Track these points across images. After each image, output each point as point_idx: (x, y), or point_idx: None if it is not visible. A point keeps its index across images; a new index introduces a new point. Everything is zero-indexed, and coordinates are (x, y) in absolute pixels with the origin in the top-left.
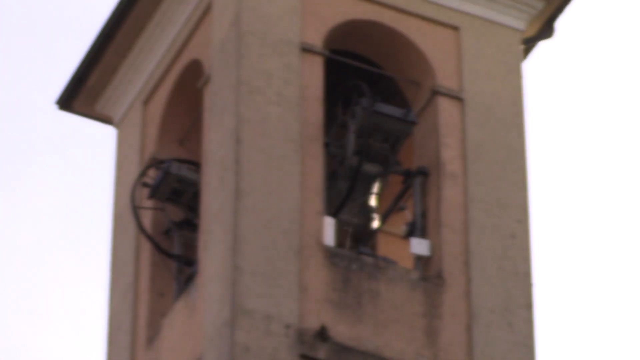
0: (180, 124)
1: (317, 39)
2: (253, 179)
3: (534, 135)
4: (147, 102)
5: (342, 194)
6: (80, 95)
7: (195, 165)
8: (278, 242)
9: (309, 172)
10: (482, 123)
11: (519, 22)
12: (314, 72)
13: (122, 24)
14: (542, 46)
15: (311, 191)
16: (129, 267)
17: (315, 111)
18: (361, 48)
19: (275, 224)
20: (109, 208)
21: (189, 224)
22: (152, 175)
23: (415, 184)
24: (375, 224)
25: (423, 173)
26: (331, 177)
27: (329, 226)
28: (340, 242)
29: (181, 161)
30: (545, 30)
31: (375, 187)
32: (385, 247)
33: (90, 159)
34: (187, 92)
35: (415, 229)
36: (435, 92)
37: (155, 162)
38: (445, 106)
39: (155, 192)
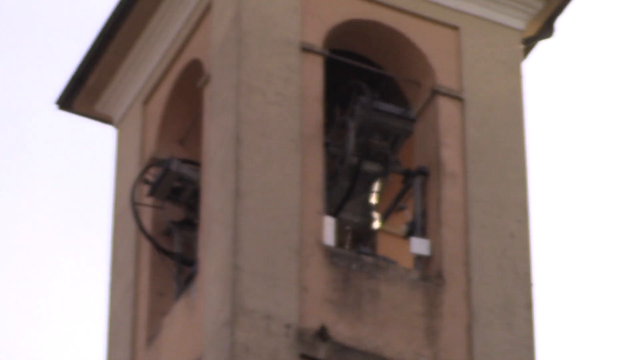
0: (180, 123)
1: (317, 38)
2: (253, 178)
3: (533, 135)
4: (147, 102)
5: (343, 193)
6: (80, 95)
7: (196, 165)
8: (278, 242)
9: (309, 171)
10: (482, 123)
11: (518, 21)
12: (314, 72)
13: (122, 23)
14: (542, 46)
15: (311, 191)
16: (129, 267)
17: (315, 111)
18: (361, 48)
19: (275, 224)
20: (108, 208)
21: (189, 224)
22: (153, 173)
23: (415, 183)
24: (376, 223)
25: (423, 173)
26: (332, 176)
27: (329, 226)
28: (340, 241)
29: (182, 161)
30: (545, 30)
31: (376, 186)
32: (385, 246)
33: (90, 159)
34: (187, 92)
35: (415, 229)
36: (435, 92)
37: (155, 162)
38: (445, 106)
39: (155, 189)
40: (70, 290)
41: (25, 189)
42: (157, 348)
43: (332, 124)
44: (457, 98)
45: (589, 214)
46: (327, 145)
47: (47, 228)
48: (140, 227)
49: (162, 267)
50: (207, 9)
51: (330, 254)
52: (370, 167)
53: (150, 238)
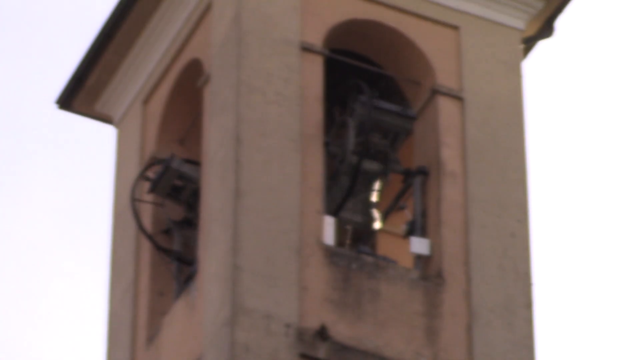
0: (180, 123)
1: (317, 38)
2: (253, 178)
3: (533, 135)
4: (147, 101)
5: (343, 192)
6: (80, 94)
7: (196, 164)
8: (278, 242)
9: (309, 171)
10: (482, 122)
11: (518, 21)
12: (314, 72)
13: (122, 23)
14: (542, 45)
15: (311, 190)
16: (128, 267)
17: (315, 111)
18: (361, 47)
19: (275, 224)
20: (108, 207)
21: (189, 223)
22: (154, 171)
23: (415, 183)
24: (377, 222)
25: (423, 172)
26: (332, 176)
27: (328, 225)
28: (340, 241)
29: (183, 160)
30: (545, 29)
31: (376, 185)
32: (385, 246)
33: (90, 159)
34: (187, 91)
35: (415, 228)
36: (435, 92)
37: (156, 160)
38: (445, 105)
39: (155, 186)
40: (70, 290)
41: (25, 189)
42: (157, 348)
43: (332, 123)
44: (457, 98)
45: (589, 214)
46: (327, 144)
47: (47, 228)
48: (140, 226)
49: (162, 266)
50: (207, 9)
51: (330, 254)
52: (370, 165)
53: (148, 235)
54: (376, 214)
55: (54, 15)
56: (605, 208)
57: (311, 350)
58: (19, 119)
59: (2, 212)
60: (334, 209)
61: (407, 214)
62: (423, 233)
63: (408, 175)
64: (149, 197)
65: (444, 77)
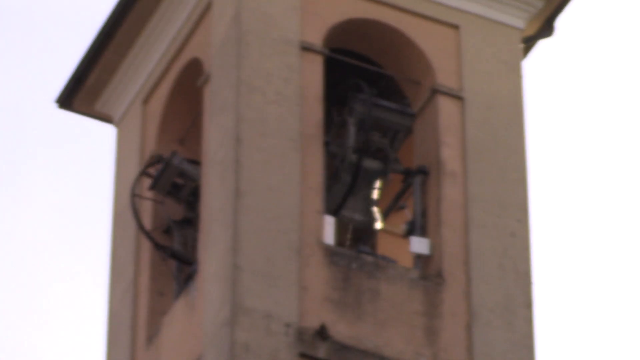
0: (180, 123)
1: (317, 38)
2: (253, 178)
3: (534, 134)
4: (147, 101)
5: (344, 191)
6: (80, 94)
7: (197, 164)
8: (278, 241)
9: (309, 171)
10: (482, 122)
11: (518, 20)
12: (314, 71)
13: (122, 22)
14: (542, 45)
15: (311, 190)
16: (128, 266)
17: (315, 110)
18: (361, 47)
19: (275, 223)
20: (108, 207)
21: (189, 223)
22: (156, 168)
23: (415, 182)
24: (378, 221)
25: (423, 172)
26: (333, 175)
27: (328, 225)
28: (340, 241)
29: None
30: (545, 29)
31: (377, 184)
32: (385, 246)
33: (90, 158)
34: (187, 91)
35: (415, 228)
36: (435, 91)
37: (157, 157)
38: (445, 105)
39: (156, 183)
40: (70, 290)
41: (25, 189)
42: (157, 347)
43: (332, 123)
44: (457, 97)
45: (589, 214)
46: (327, 144)
47: (47, 227)
48: (140, 226)
49: (162, 266)
50: (207, 8)
51: (330, 253)
52: (370, 164)
53: (146, 232)
54: (377, 213)
55: (54, 15)
56: (605, 208)
57: (311, 350)
58: (19, 118)
59: (2, 212)
60: (334, 208)
61: (407, 214)
62: (423, 233)
63: (408, 174)
64: (149, 195)
65: (444, 76)
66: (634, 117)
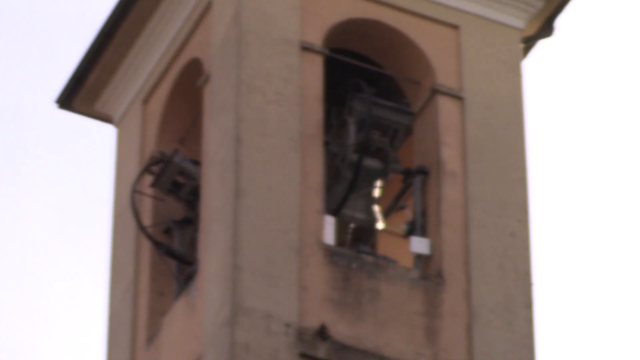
0: (180, 123)
1: (317, 38)
2: (253, 178)
3: (533, 134)
4: (147, 101)
5: (345, 190)
6: (80, 94)
7: (197, 164)
8: (278, 241)
9: (309, 171)
10: (482, 122)
11: (518, 20)
12: (314, 71)
13: (121, 22)
14: (541, 45)
15: (311, 190)
16: (129, 267)
17: (315, 110)
18: (361, 47)
19: (275, 223)
20: (108, 207)
21: (189, 223)
22: (157, 168)
23: (415, 182)
24: (379, 220)
25: (423, 172)
26: (333, 175)
27: (329, 225)
28: (340, 241)
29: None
30: (545, 29)
31: (378, 183)
32: (385, 246)
33: (90, 158)
34: (187, 91)
35: (415, 228)
36: (435, 91)
37: (159, 154)
38: (445, 105)
39: (157, 180)
40: (70, 290)
41: (25, 189)
42: (157, 347)
43: (332, 123)
44: (457, 97)
45: (589, 214)
46: (327, 144)
47: (47, 227)
48: (140, 226)
49: (162, 266)
50: (207, 8)
51: (330, 253)
52: (371, 163)
53: (143, 227)
54: (378, 213)
55: (54, 15)
56: (605, 208)
57: (311, 349)
58: (19, 118)
59: (2, 212)
60: (335, 207)
61: (407, 214)
62: (423, 233)
63: (408, 174)
64: (149, 192)
65: (444, 76)
66: (634, 117)
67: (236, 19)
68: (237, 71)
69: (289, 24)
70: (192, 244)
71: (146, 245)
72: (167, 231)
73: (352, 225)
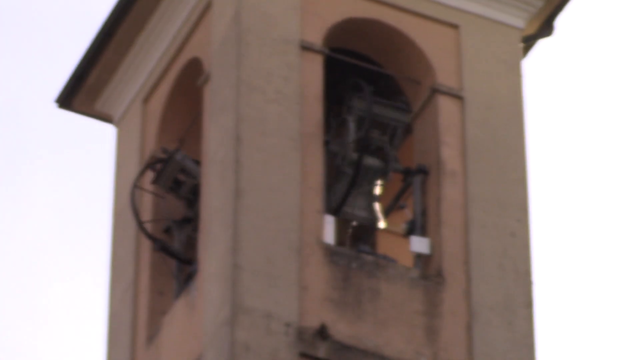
0: (180, 122)
1: (317, 37)
2: (253, 177)
3: (533, 134)
4: (147, 100)
5: (345, 189)
6: (80, 93)
7: (197, 163)
8: (278, 241)
9: (309, 170)
10: (482, 121)
11: (518, 20)
12: (314, 71)
13: (121, 22)
14: (541, 44)
15: (311, 189)
16: (128, 266)
17: (315, 109)
18: (361, 46)
19: (275, 223)
20: (108, 207)
21: (188, 221)
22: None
23: (415, 182)
24: (381, 221)
25: (423, 171)
26: (335, 175)
27: (328, 224)
28: (340, 240)
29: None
30: (545, 28)
31: (378, 182)
32: (385, 245)
33: (89, 158)
34: (187, 90)
35: (415, 227)
36: (435, 91)
37: (161, 154)
38: (445, 104)
39: (159, 177)
40: (70, 290)
41: (25, 188)
42: (157, 347)
43: (332, 122)
44: (457, 97)
45: (589, 213)
46: (327, 143)
47: (46, 227)
48: (140, 225)
49: (162, 266)
50: (207, 8)
51: (330, 253)
52: (371, 161)
53: (140, 222)
54: (379, 212)
55: (54, 15)
56: (605, 208)
57: (311, 349)
58: (19, 118)
59: (2, 212)
60: (336, 206)
61: (407, 213)
62: (423, 232)
63: (408, 174)
64: (148, 197)
65: (444, 76)
66: (634, 117)
67: (236, 18)
68: (237, 70)
69: (288, 23)
70: (191, 243)
71: (146, 244)
72: (167, 230)
73: (354, 224)
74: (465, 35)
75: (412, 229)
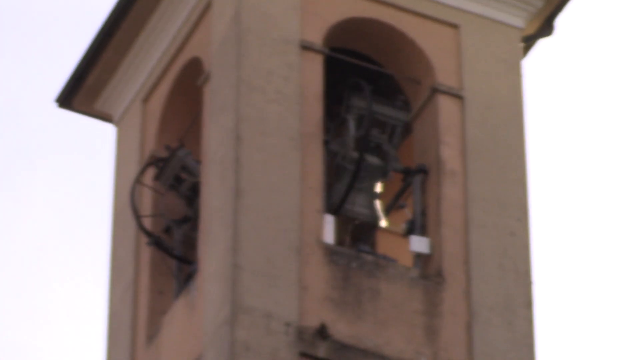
0: (180, 122)
1: (317, 37)
2: (253, 177)
3: (533, 133)
4: (146, 100)
5: (346, 187)
6: (80, 93)
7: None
8: (278, 241)
9: (309, 170)
10: (482, 121)
11: (518, 20)
12: (314, 70)
13: (121, 22)
14: (541, 44)
15: (311, 189)
16: (128, 266)
17: (315, 109)
18: (361, 46)
19: (275, 222)
20: (108, 206)
21: (188, 220)
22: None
23: (415, 182)
24: (383, 220)
25: (423, 171)
26: (335, 174)
27: (328, 224)
28: (340, 240)
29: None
30: (545, 28)
31: (379, 180)
32: (385, 245)
33: (89, 157)
34: (187, 90)
35: (415, 227)
36: (435, 90)
37: (155, 159)
38: (445, 104)
39: (161, 173)
40: (70, 289)
41: (25, 188)
42: (157, 347)
43: (332, 122)
44: (457, 96)
45: (589, 213)
46: (327, 143)
47: (47, 226)
48: (140, 225)
49: (162, 265)
50: (207, 7)
51: (330, 253)
52: (371, 159)
53: (137, 216)
54: (380, 210)
55: (54, 14)
56: (605, 207)
57: (311, 349)
58: (19, 118)
59: (2, 212)
60: (338, 203)
61: (407, 213)
62: (423, 232)
63: (408, 173)
64: (148, 197)
65: (444, 75)
66: (634, 117)
67: (236, 18)
68: (237, 70)
69: (289, 23)
70: (191, 242)
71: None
72: (167, 230)
73: (356, 222)
74: (465, 35)
75: (412, 228)
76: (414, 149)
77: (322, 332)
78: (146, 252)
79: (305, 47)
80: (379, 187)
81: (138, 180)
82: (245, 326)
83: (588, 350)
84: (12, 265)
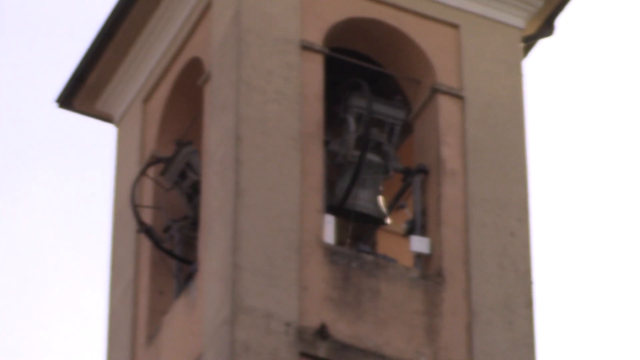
0: (180, 122)
1: (317, 37)
2: (253, 177)
3: (534, 133)
4: (147, 100)
5: (347, 185)
6: (80, 93)
7: None
8: (278, 240)
9: (309, 170)
10: (482, 121)
11: (519, 20)
12: (314, 70)
13: (122, 22)
14: (542, 44)
15: (311, 189)
16: (128, 266)
17: (315, 109)
18: (361, 46)
19: (275, 222)
20: (109, 206)
21: (187, 219)
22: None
23: (415, 181)
24: (385, 214)
25: (423, 171)
26: (337, 173)
27: (328, 224)
28: (340, 240)
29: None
30: (546, 28)
31: (381, 178)
32: (385, 245)
33: (90, 157)
34: (188, 90)
35: (416, 227)
36: (436, 90)
37: (155, 159)
38: (445, 104)
39: (168, 168)
40: (70, 289)
41: (25, 188)
42: (157, 347)
43: (332, 122)
44: (458, 96)
45: (589, 213)
46: (327, 143)
47: (47, 226)
48: (140, 224)
49: (162, 265)
50: (207, 7)
51: (330, 253)
52: (372, 158)
53: (135, 209)
54: (384, 207)
55: (54, 14)
56: (605, 207)
57: (311, 349)
58: (19, 118)
59: (2, 212)
60: (340, 199)
61: (407, 213)
62: (423, 232)
63: (408, 173)
64: (149, 196)
65: (444, 75)
66: (634, 117)
67: (236, 18)
68: (237, 70)
69: (289, 23)
70: (191, 242)
71: (146, 244)
72: (167, 229)
73: (360, 216)
74: (466, 35)
75: (412, 228)
76: (414, 149)
77: (322, 332)
78: (146, 252)
79: (305, 47)
80: (381, 185)
81: (143, 172)
82: (245, 326)
83: (588, 350)
84: (12, 265)
